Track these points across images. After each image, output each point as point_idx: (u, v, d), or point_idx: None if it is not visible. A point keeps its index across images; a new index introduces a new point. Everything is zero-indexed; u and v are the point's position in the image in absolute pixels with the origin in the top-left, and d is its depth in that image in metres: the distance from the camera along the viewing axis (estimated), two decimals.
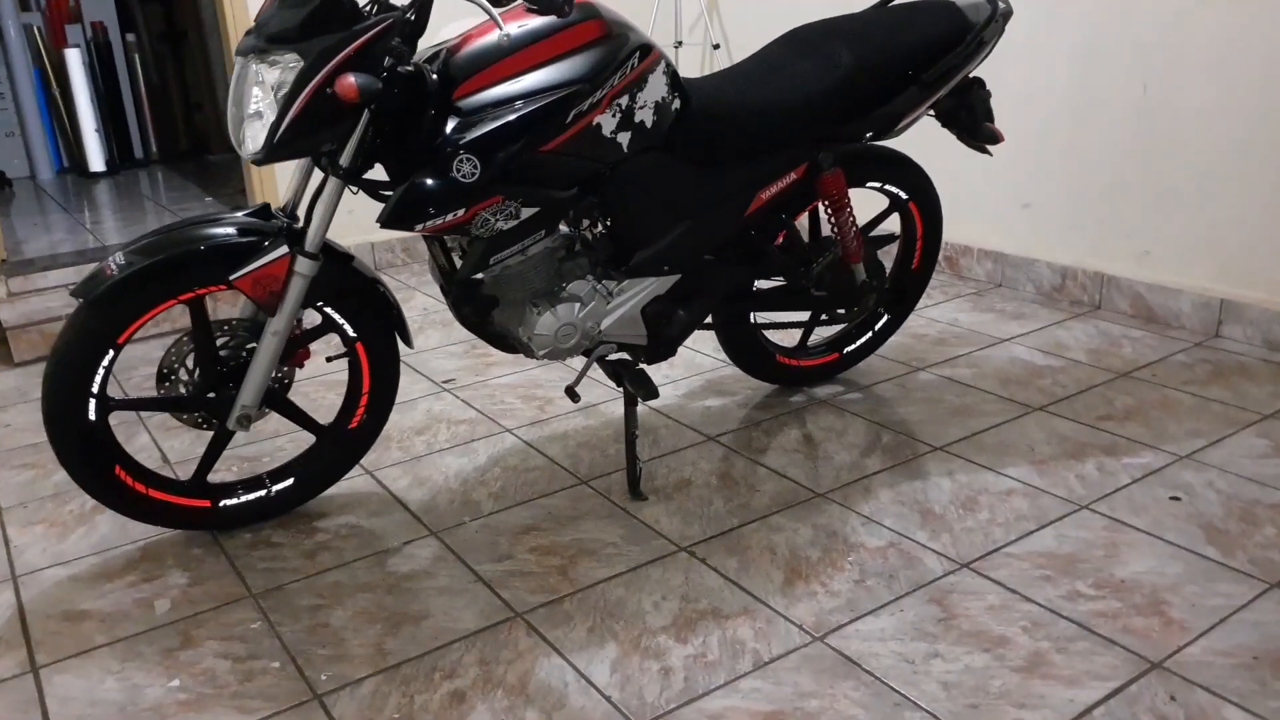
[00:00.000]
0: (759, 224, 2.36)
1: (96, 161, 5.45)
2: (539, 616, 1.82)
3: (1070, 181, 3.35)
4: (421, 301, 3.66)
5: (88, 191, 5.11)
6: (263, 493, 2.12)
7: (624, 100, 1.97)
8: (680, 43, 4.38)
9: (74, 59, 5.33)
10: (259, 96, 1.78)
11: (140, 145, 5.90)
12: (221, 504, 2.09)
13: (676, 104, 2.08)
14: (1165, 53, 3.00)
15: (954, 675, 1.64)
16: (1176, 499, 2.15)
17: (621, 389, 2.24)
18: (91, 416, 1.90)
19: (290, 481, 2.15)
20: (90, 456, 1.93)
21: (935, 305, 3.43)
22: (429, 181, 1.83)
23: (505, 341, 2.19)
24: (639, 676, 1.66)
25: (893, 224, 2.77)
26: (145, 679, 1.69)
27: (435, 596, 1.89)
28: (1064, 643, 1.71)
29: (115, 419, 2.57)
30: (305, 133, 1.77)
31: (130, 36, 5.85)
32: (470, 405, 2.73)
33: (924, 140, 3.13)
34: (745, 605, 1.84)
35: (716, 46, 4.41)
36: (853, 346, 2.81)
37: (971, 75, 2.46)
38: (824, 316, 2.67)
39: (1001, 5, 2.39)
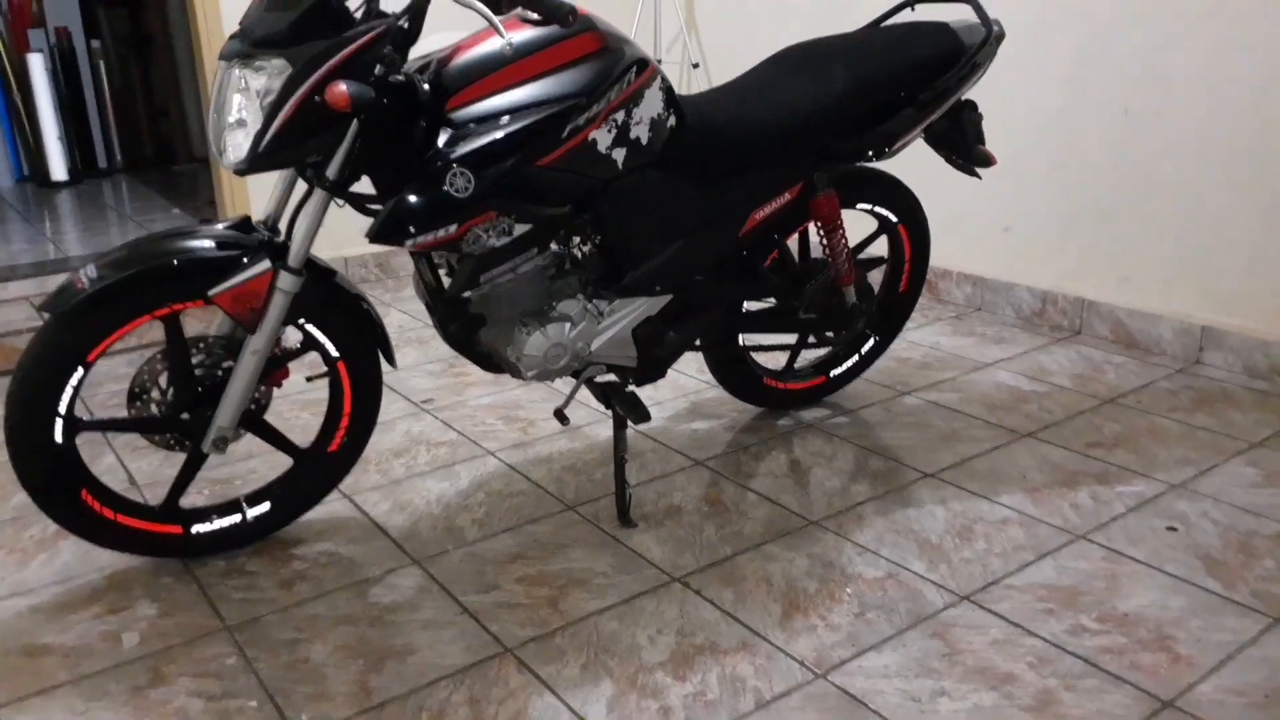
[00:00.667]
0: (752, 244, 2.32)
1: (59, 170, 5.31)
2: (530, 651, 1.75)
3: (1051, 205, 3.34)
4: (397, 319, 3.58)
5: (49, 201, 4.97)
6: (238, 518, 2.02)
7: (620, 116, 1.92)
8: (659, 61, 4.35)
9: (36, 64, 5.20)
10: (242, 104, 1.70)
11: (104, 154, 5.76)
12: (194, 530, 1.99)
13: (672, 120, 2.03)
14: (1147, 77, 3.01)
15: (963, 714, 1.58)
16: (1173, 529, 2.12)
17: (610, 411, 2.18)
18: (58, 438, 1.80)
19: (266, 506, 2.06)
20: (55, 479, 1.83)
21: (916, 329, 3.40)
22: (420, 196, 1.76)
23: (491, 361, 2.12)
24: (637, 716, 1.59)
25: (879, 247, 2.74)
26: (112, 719, 1.59)
27: (420, 630, 1.81)
28: (1072, 680, 1.66)
29: (80, 439, 2.47)
30: (291, 142, 1.70)
31: (95, 42, 5.71)
32: (450, 426, 2.65)
33: (905, 163, 3.11)
34: (743, 640, 1.78)
35: (696, 65, 4.38)
36: (839, 370, 2.77)
37: (964, 97, 2.43)
38: (812, 339, 2.63)
39: (995, 29, 2.37)
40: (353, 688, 1.66)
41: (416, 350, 3.23)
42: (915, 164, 3.15)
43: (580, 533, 2.13)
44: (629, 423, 2.12)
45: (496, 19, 1.64)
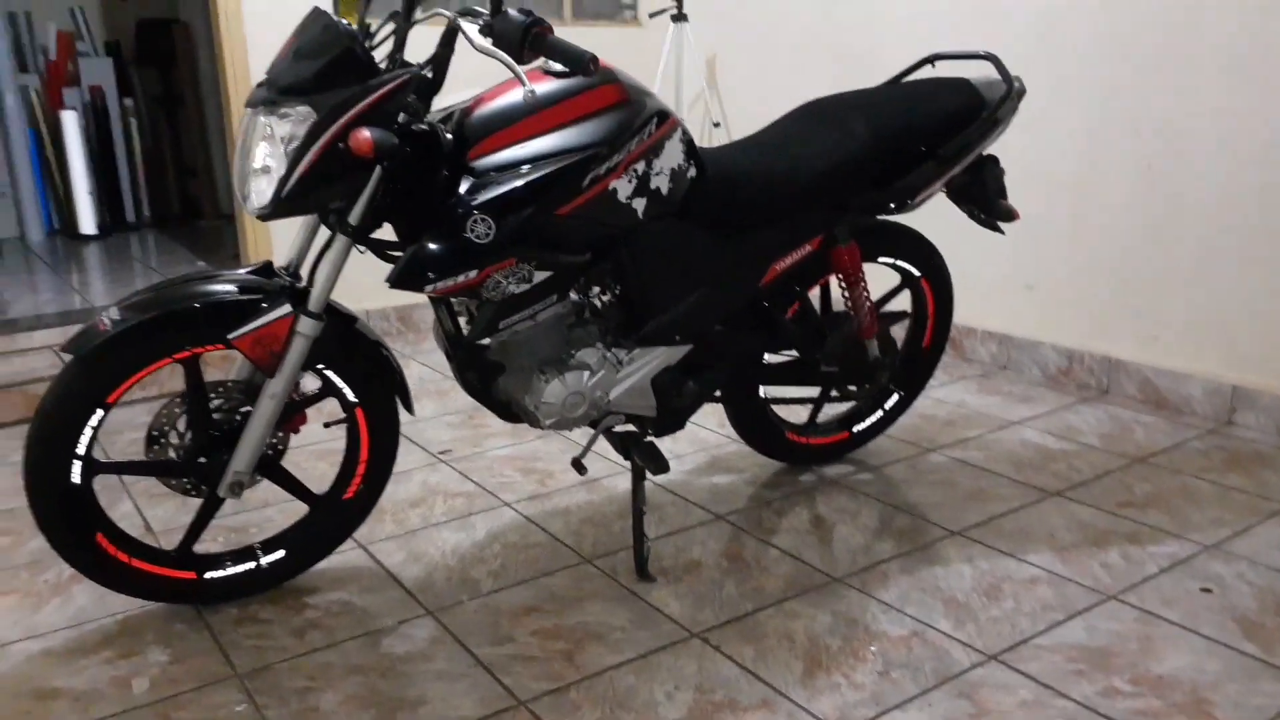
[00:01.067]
0: (772, 295, 2.30)
1: (88, 224, 5.38)
2: (544, 705, 1.70)
3: (1075, 263, 3.32)
4: (418, 370, 3.58)
5: (77, 253, 5.04)
6: (252, 565, 2.00)
7: (640, 166, 1.92)
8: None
9: (70, 121, 5.30)
10: (267, 150, 1.71)
11: (133, 209, 5.85)
12: (207, 576, 1.97)
13: (692, 172, 2.04)
14: (1169, 133, 3.00)
15: None
16: (1208, 591, 2.06)
17: (629, 462, 2.15)
18: (75, 479, 1.79)
19: (281, 553, 2.04)
20: (71, 521, 1.82)
21: (942, 386, 3.37)
22: (441, 242, 1.76)
23: (509, 410, 2.11)
24: None
25: (903, 301, 2.73)
26: None
27: (432, 681, 1.77)
28: None
29: (97, 484, 2.47)
30: (314, 188, 1.71)
31: (128, 101, 5.83)
32: (468, 477, 2.63)
33: (929, 220, 3.10)
34: (764, 697, 1.73)
35: (717, 124, 4.42)
36: (863, 425, 2.73)
37: (985, 152, 2.43)
38: (834, 393, 2.60)
39: (1016, 84, 2.37)
40: None
41: (436, 401, 3.22)
42: (938, 220, 3.14)
43: (597, 586, 2.09)
44: (648, 474, 2.09)
45: (519, 67, 1.65)
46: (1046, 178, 3.33)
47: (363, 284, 3.66)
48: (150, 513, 2.43)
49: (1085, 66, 3.17)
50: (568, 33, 4.38)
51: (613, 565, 2.17)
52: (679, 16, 4.26)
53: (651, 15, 4.43)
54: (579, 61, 1.63)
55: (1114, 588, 2.08)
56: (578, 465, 2.13)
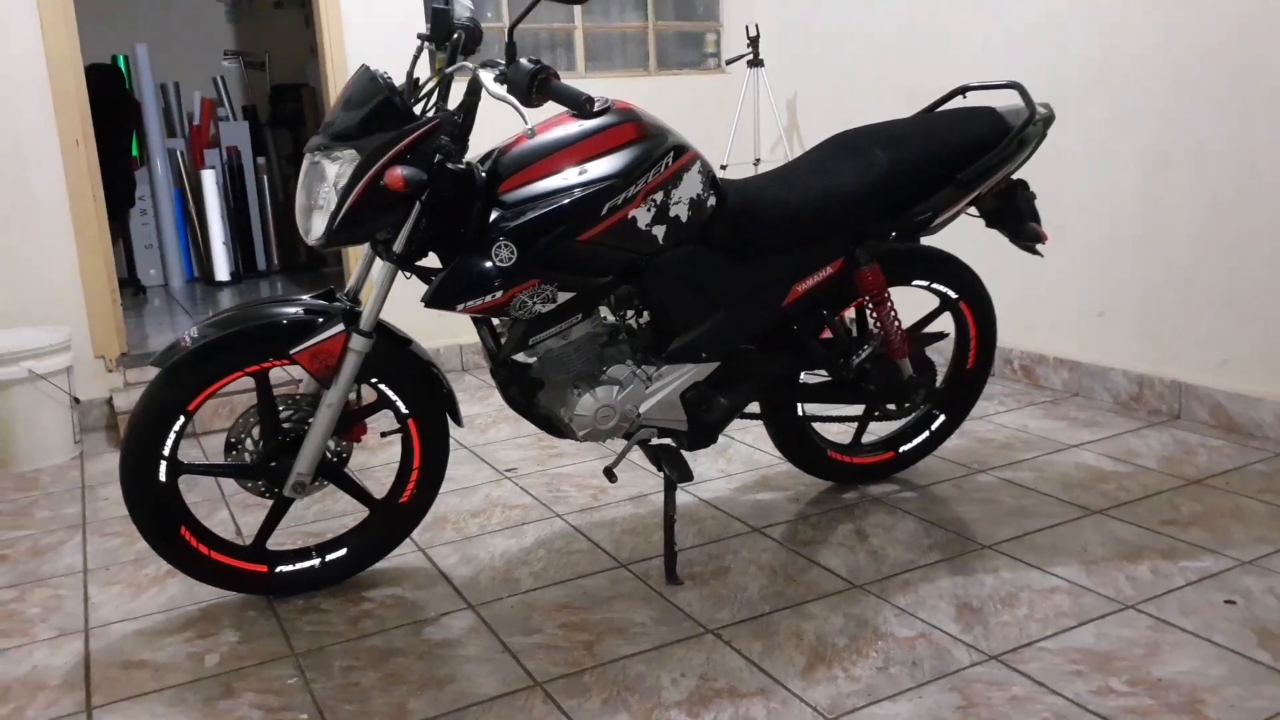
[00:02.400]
0: (798, 315, 2.43)
1: (223, 271, 5.90)
2: (557, 686, 1.86)
3: (1144, 289, 3.32)
4: (499, 399, 3.81)
5: (212, 297, 5.53)
6: (317, 562, 2.23)
7: (659, 196, 2.10)
8: (759, 160, 4.55)
9: (209, 179, 5.84)
10: (322, 188, 1.96)
11: (263, 257, 6.36)
12: (278, 570, 2.21)
13: (712, 201, 2.20)
14: (1233, 161, 2.99)
15: None
16: (1231, 603, 2.07)
17: (662, 473, 2.30)
18: (162, 478, 2.06)
19: (343, 552, 2.26)
20: (159, 516, 2.08)
21: (1007, 412, 3.39)
22: (470, 265, 1.97)
23: (550, 424, 2.29)
24: None
25: (941, 324, 2.79)
26: None
27: (463, 663, 1.95)
28: None
29: (199, 496, 2.77)
30: (361, 221, 1.94)
31: (260, 159, 6.37)
32: (528, 492, 2.82)
33: (997, 249, 3.16)
34: (762, 686, 1.84)
35: None
36: (909, 446, 2.81)
37: (1015, 177, 2.51)
38: (876, 414, 2.68)
39: (1041, 110, 2.45)
40: (392, 708, 1.81)
41: (511, 425, 3.44)
42: (1006, 249, 3.18)
43: (628, 587, 2.24)
44: (676, 482, 2.24)
45: (523, 108, 1.86)
46: (1115, 206, 3.35)
47: (456, 322, 3.95)
48: (242, 519, 2.71)
49: (1148, 98, 3.19)
50: (654, 83, 4.62)
51: (646, 570, 2.32)
52: (755, 62, 4.44)
53: (728, 62, 4.62)
54: (577, 103, 1.82)
55: (1135, 599, 2.10)
56: (609, 474, 2.29)
